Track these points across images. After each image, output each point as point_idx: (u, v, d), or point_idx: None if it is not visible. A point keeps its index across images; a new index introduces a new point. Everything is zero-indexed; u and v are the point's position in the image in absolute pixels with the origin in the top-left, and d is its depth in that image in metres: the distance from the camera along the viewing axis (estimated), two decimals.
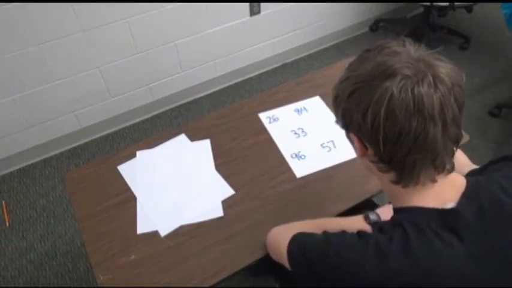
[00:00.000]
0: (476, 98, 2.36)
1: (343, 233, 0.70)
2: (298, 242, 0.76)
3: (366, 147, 0.67)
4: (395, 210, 0.71)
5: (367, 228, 0.88)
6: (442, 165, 0.63)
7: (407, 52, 0.61)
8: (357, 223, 0.92)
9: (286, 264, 0.77)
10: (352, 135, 0.68)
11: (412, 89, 0.57)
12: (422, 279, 0.60)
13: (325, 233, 0.73)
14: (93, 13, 1.81)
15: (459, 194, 0.65)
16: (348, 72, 0.66)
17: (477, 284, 0.61)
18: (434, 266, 0.60)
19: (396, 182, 0.66)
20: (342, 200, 1.06)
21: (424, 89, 0.57)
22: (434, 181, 0.65)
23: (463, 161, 0.95)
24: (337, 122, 0.71)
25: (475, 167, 0.88)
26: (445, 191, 0.65)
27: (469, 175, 0.76)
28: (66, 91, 2.00)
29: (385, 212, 0.94)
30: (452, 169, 0.66)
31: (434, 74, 0.58)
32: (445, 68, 0.60)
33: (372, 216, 0.92)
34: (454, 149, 0.64)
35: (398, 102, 0.57)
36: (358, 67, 0.64)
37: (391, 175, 0.66)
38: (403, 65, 0.59)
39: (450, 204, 0.64)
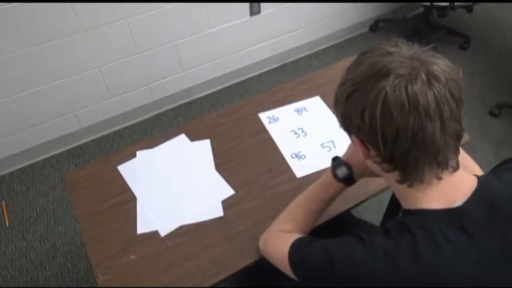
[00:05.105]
0: (476, 98, 2.36)
1: (343, 240, 0.69)
2: (298, 258, 0.75)
3: (368, 148, 0.67)
4: (403, 211, 0.70)
5: (339, 186, 0.88)
6: (445, 162, 0.63)
7: (399, 51, 0.62)
8: (326, 187, 0.89)
9: (293, 276, 0.77)
10: (354, 137, 0.68)
11: (406, 87, 0.57)
12: (434, 283, 0.60)
13: (323, 246, 0.71)
14: (93, 13, 1.81)
15: (469, 193, 0.64)
16: (345, 76, 0.67)
17: (488, 283, 0.61)
18: (444, 270, 0.60)
19: (401, 182, 0.66)
20: (341, 200, 1.06)
21: (417, 87, 0.57)
22: (439, 178, 0.64)
23: (475, 171, 0.90)
24: (340, 125, 0.71)
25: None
26: (452, 191, 0.65)
27: None
28: (66, 91, 2.00)
29: (352, 156, 0.87)
30: (457, 166, 0.65)
31: (427, 71, 0.58)
32: (439, 64, 0.60)
33: (341, 172, 0.87)
34: (457, 145, 0.64)
35: (393, 101, 0.58)
36: (354, 70, 0.65)
37: (396, 175, 0.66)
38: (396, 64, 0.59)
39: (458, 203, 0.64)
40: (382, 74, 0.59)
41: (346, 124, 0.68)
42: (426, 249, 0.61)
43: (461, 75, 0.62)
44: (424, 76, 0.58)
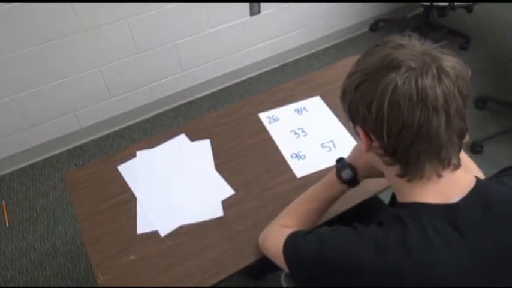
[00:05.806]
0: (476, 97, 2.35)
1: (337, 228, 0.70)
2: (292, 247, 0.76)
3: (371, 140, 0.67)
4: (398, 204, 0.70)
5: (342, 187, 0.88)
6: (448, 159, 0.63)
7: (412, 45, 0.62)
8: (330, 187, 0.90)
9: (286, 269, 0.77)
10: (358, 128, 0.68)
11: (416, 81, 0.58)
12: (421, 274, 0.60)
13: (317, 233, 0.73)
14: (93, 13, 1.81)
15: (466, 191, 0.65)
16: (354, 67, 0.67)
17: (476, 281, 0.61)
18: (431, 262, 0.60)
19: (402, 176, 0.66)
20: (341, 200, 1.06)
21: (428, 81, 0.58)
22: (439, 176, 0.65)
23: (474, 172, 0.91)
24: (346, 114, 0.71)
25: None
26: (450, 188, 0.65)
27: None
28: (66, 91, 2.00)
29: (357, 158, 0.88)
30: (458, 164, 0.66)
31: (438, 66, 0.59)
32: (450, 61, 0.60)
33: (345, 174, 0.88)
34: (460, 143, 0.64)
35: (402, 93, 0.58)
36: (364, 61, 0.65)
37: (397, 168, 0.66)
38: (408, 57, 0.60)
39: (454, 200, 0.64)
40: (393, 66, 0.60)
41: (352, 114, 0.68)
42: (415, 240, 0.61)
43: (470, 73, 0.62)
44: (435, 71, 0.58)
